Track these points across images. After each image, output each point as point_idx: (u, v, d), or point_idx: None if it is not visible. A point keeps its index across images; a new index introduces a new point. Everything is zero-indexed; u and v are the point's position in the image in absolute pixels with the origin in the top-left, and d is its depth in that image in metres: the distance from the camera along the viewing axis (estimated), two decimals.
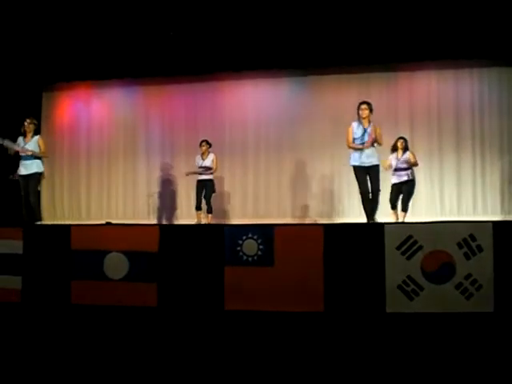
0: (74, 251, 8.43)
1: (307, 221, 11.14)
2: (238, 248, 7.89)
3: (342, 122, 11.57)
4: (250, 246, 7.88)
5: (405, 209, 10.51)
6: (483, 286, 7.31)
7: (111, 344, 7.26)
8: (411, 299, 7.45)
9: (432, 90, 11.42)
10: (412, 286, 7.46)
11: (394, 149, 10.51)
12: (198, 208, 10.95)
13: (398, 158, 10.44)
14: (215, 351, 6.91)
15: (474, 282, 7.33)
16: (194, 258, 8.07)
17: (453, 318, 7.24)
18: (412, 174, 10.44)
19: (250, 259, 7.86)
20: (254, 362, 6.51)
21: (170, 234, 8.34)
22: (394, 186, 10.52)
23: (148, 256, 8.15)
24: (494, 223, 7.72)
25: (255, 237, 7.89)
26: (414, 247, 7.47)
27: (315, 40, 10.76)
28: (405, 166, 10.37)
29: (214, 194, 10.97)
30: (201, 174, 10.87)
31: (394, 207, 10.56)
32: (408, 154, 10.41)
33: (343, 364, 6.44)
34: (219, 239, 8.01)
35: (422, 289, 7.43)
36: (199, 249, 8.10)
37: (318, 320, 7.48)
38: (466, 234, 7.38)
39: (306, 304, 7.59)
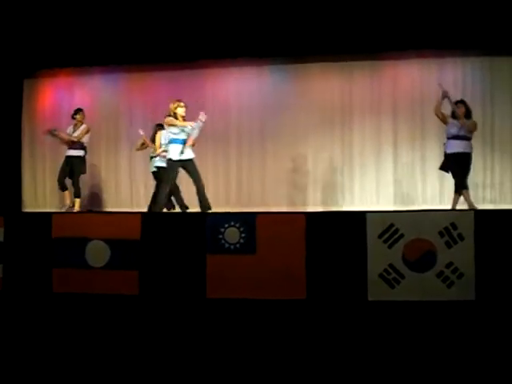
0: (55, 239, 8.41)
1: (289, 209, 11.12)
2: (220, 236, 7.90)
3: (325, 111, 11.67)
4: (232, 234, 7.89)
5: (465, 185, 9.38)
6: (464, 274, 7.37)
7: (93, 332, 7.25)
8: (393, 287, 7.50)
9: (415, 79, 11.43)
10: (393, 275, 7.50)
11: (454, 115, 9.36)
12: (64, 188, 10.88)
13: (459, 125, 9.26)
14: (197, 339, 6.92)
15: (455, 270, 7.38)
16: (176, 246, 8.08)
17: (434, 306, 7.29)
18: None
19: (232, 247, 7.87)
20: (237, 350, 6.52)
21: (151, 221, 8.33)
22: (451, 156, 9.34)
23: (130, 244, 8.14)
24: (476, 212, 7.78)
25: (237, 225, 7.90)
26: (396, 235, 7.50)
27: (299, 28, 10.73)
28: (466, 133, 9.24)
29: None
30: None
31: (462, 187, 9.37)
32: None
33: (325, 351, 6.46)
34: (201, 227, 8.00)
35: (403, 277, 7.47)
36: (181, 237, 8.10)
37: (300, 307, 7.50)
38: (448, 223, 7.42)
39: (288, 292, 7.61)
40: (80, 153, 10.67)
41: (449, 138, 9.28)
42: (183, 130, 9.23)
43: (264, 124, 11.89)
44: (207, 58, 11.64)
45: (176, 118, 9.27)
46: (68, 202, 10.82)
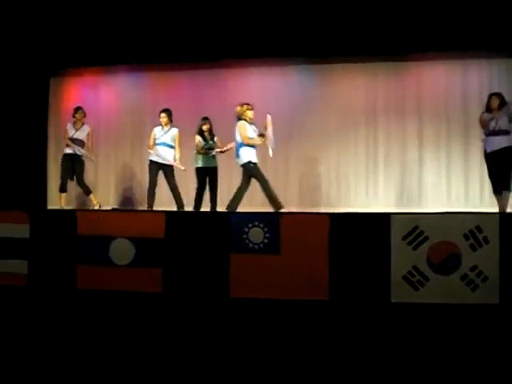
0: (79, 236, 8.45)
1: (313, 210, 11.10)
2: (244, 236, 7.91)
3: (349, 112, 11.64)
4: (256, 234, 7.89)
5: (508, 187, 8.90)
6: (489, 277, 7.31)
7: (116, 329, 7.29)
8: (416, 289, 7.46)
9: (440, 80, 11.36)
10: (417, 277, 7.46)
11: (489, 108, 9.08)
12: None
13: (496, 119, 8.89)
14: (220, 338, 6.94)
15: (480, 273, 7.33)
16: (200, 245, 8.09)
17: (458, 310, 7.25)
18: None
19: (255, 247, 7.87)
20: (259, 350, 6.53)
21: (176, 220, 8.36)
22: (491, 154, 8.97)
23: (154, 242, 8.17)
24: (501, 215, 7.72)
25: (261, 225, 7.90)
26: (421, 238, 7.46)
27: (323, 28, 10.72)
28: (504, 127, 8.80)
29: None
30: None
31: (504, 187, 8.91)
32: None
33: (347, 352, 6.46)
34: (225, 226, 8.01)
35: (427, 279, 7.43)
36: (205, 236, 8.11)
37: (322, 308, 7.50)
38: (473, 226, 7.37)
39: (311, 292, 7.60)
40: (82, 151, 10.91)
41: (487, 136, 9.04)
42: (257, 135, 9.57)
43: (287, 124, 11.86)
44: (231, 57, 11.65)
45: (246, 121, 9.53)
46: (94, 202, 10.97)
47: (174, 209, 10.27)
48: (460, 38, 10.34)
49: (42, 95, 12.69)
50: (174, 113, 10.79)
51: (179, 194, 10.45)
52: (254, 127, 9.67)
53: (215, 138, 10.70)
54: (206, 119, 10.69)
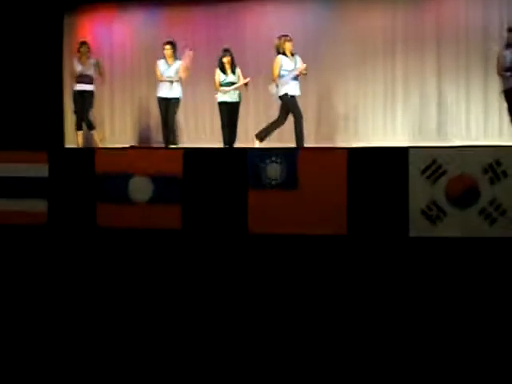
0: (98, 174, 8.50)
1: (330, 145, 11.05)
2: (262, 172, 7.90)
3: (366, 45, 11.48)
4: (273, 170, 7.90)
5: None
6: (507, 210, 7.29)
7: (136, 267, 7.38)
8: (435, 223, 7.46)
9: (460, 11, 11.13)
10: (435, 211, 7.47)
11: (509, 44, 8.85)
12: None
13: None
14: (239, 274, 7.00)
15: (498, 207, 7.32)
16: (218, 181, 8.12)
17: (476, 243, 7.25)
18: None
19: (273, 183, 7.89)
20: (278, 285, 6.59)
21: (193, 157, 8.37)
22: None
23: (172, 179, 8.20)
24: None
25: (279, 160, 7.90)
26: (439, 172, 7.43)
27: None
28: None
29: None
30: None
31: None
32: None
33: (366, 288, 6.50)
34: (242, 163, 8.02)
35: (445, 213, 7.44)
36: (223, 172, 8.13)
37: (341, 243, 7.53)
38: (492, 159, 7.33)
39: (329, 227, 7.64)
40: (91, 87, 10.89)
41: (506, 71, 8.90)
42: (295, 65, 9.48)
43: (304, 59, 11.65)
44: None
45: (284, 54, 9.44)
46: (96, 138, 11.04)
47: (194, 145, 10.24)
48: None
49: (57, 32, 12.57)
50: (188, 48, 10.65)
51: (173, 129, 10.45)
52: (297, 57, 9.61)
53: (237, 70, 10.32)
54: (226, 51, 10.30)
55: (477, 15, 10.85)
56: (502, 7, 10.89)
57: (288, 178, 7.83)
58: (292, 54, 9.57)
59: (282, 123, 9.60)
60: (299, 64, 9.55)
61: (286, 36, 9.51)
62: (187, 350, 5.01)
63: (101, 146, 10.96)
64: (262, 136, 9.54)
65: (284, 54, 9.46)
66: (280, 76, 9.44)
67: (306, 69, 9.66)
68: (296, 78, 9.57)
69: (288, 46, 9.45)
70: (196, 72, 10.86)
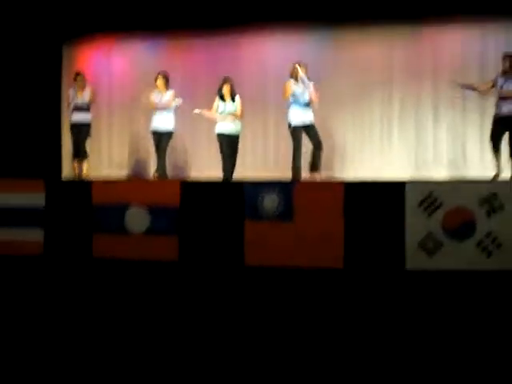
0: (95, 205, 8.50)
1: (328, 176, 11.06)
2: (258, 203, 7.91)
3: (364, 77, 11.54)
4: (270, 201, 7.90)
5: None
6: (503, 243, 7.29)
7: (132, 298, 7.35)
8: (431, 256, 7.45)
9: (456, 46, 11.19)
10: (432, 243, 7.46)
11: (504, 72, 8.78)
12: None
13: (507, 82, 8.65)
14: (235, 305, 6.97)
15: (495, 239, 7.31)
16: (215, 212, 8.12)
17: (473, 276, 7.24)
18: None
19: (270, 214, 7.89)
20: (273, 318, 6.57)
21: (191, 189, 8.38)
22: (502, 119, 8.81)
23: (169, 210, 8.20)
24: None
25: (275, 192, 7.90)
26: (435, 204, 7.44)
27: None
28: None
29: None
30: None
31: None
32: None
33: (362, 320, 6.48)
34: (239, 194, 8.03)
35: (442, 246, 7.43)
36: (220, 204, 8.13)
37: (337, 276, 7.51)
38: (488, 192, 7.34)
39: (325, 260, 7.62)
40: (88, 117, 11.05)
41: (500, 99, 8.87)
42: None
43: None
44: (246, 23, 11.58)
45: (296, 80, 9.59)
46: (84, 170, 11.06)
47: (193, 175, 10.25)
48: (478, 2, 10.21)
49: (56, 63, 12.65)
50: (187, 80, 10.73)
51: (164, 162, 10.45)
52: (306, 81, 9.67)
53: (237, 98, 10.25)
54: (226, 80, 10.27)
55: (474, 44, 10.94)
56: (499, 36, 10.98)
57: (284, 210, 7.84)
58: (304, 77, 9.66)
59: (299, 148, 9.69)
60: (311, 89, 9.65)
61: (299, 62, 9.75)
62: (184, 380, 5.00)
63: (87, 175, 10.99)
64: (295, 168, 9.59)
65: (296, 79, 9.60)
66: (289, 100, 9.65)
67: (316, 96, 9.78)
68: (308, 104, 9.67)
69: (298, 71, 9.53)
70: (195, 103, 10.91)
